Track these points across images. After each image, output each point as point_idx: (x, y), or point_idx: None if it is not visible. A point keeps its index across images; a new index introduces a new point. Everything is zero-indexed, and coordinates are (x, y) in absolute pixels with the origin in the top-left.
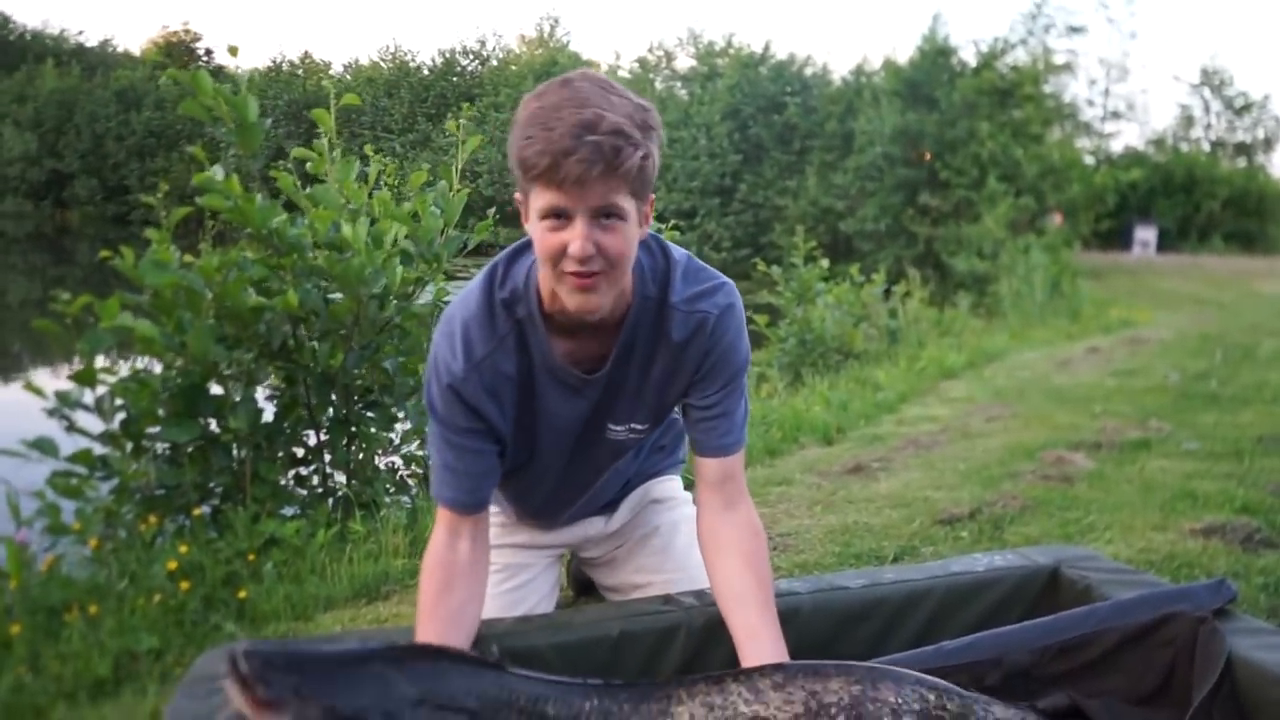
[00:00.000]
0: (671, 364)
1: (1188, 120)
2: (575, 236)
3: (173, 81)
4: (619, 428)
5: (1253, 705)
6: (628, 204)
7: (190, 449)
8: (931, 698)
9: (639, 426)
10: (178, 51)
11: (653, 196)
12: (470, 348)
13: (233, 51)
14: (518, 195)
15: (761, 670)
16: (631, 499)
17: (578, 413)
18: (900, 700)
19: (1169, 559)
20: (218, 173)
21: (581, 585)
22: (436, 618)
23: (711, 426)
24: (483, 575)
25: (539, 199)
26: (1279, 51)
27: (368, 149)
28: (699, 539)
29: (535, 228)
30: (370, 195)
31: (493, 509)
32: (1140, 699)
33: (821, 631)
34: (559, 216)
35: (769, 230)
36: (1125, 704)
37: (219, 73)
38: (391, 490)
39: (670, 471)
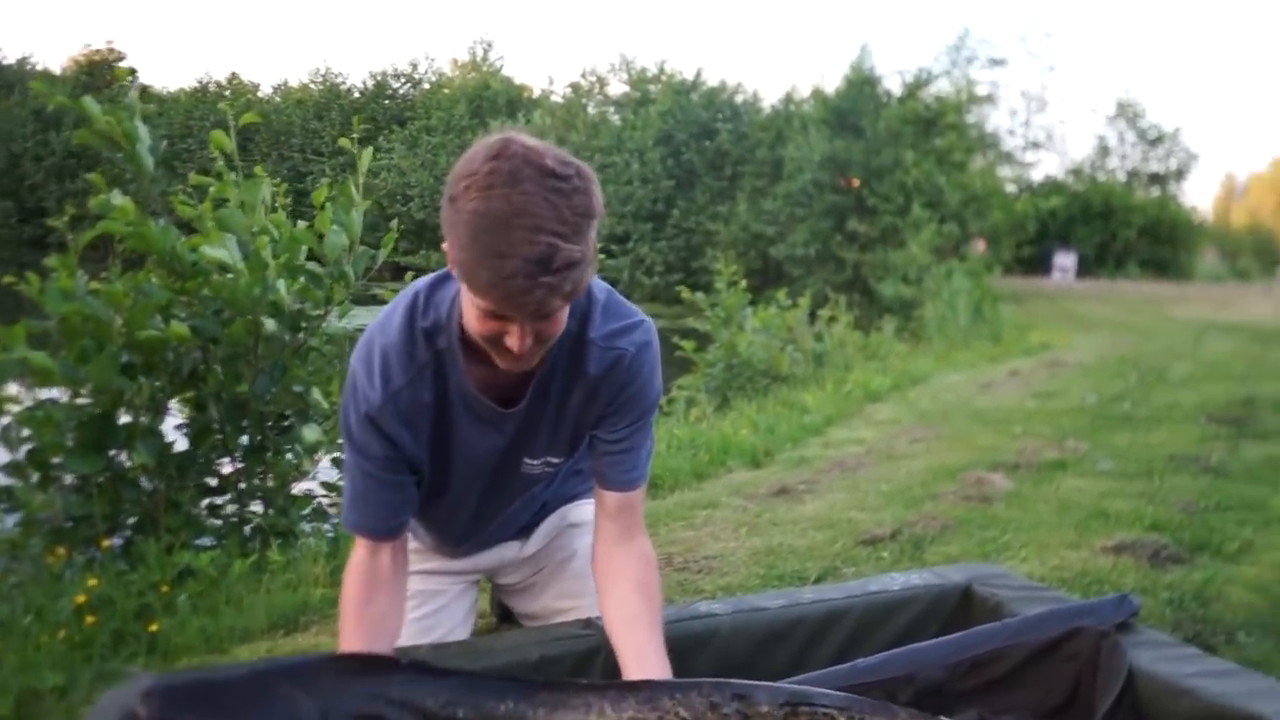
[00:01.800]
0: (585, 397)
1: (1104, 150)
2: (514, 336)
3: (59, 106)
4: (534, 461)
5: (1153, 716)
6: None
7: (100, 479)
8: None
9: (554, 459)
10: (100, 70)
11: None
12: (389, 377)
13: (125, 74)
14: (446, 247)
15: (700, 687)
16: (548, 524)
17: (494, 446)
18: None
19: (1081, 575)
20: (115, 197)
21: (505, 611)
22: (361, 624)
23: (617, 461)
24: (404, 585)
25: (479, 300)
26: (1189, 86)
27: (259, 169)
28: (593, 567)
29: (468, 305)
30: (267, 215)
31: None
32: (1047, 712)
33: (741, 652)
34: (498, 318)
35: (701, 255)
36: (1034, 718)
37: (144, 92)
38: (309, 518)
39: (587, 495)
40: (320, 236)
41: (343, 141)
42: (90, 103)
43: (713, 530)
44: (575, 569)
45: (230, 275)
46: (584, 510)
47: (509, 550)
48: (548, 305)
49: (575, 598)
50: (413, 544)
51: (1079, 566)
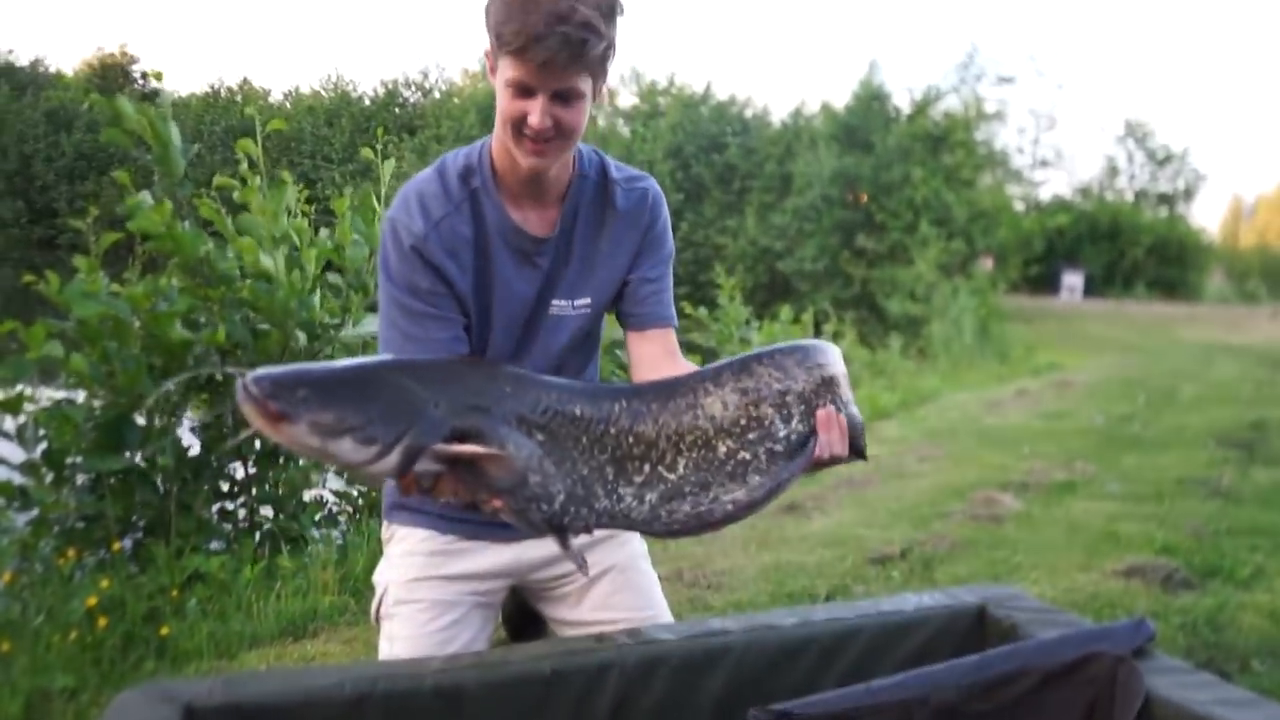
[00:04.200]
0: (615, 234)
1: (1112, 170)
2: (535, 110)
3: (94, 105)
4: (563, 302)
5: None
6: (586, 85)
7: (113, 480)
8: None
9: (581, 302)
10: (113, 74)
11: (608, 74)
12: (427, 210)
13: (157, 76)
14: (487, 50)
15: (780, 350)
16: None
17: (530, 285)
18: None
19: (1092, 599)
20: (146, 199)
21: (516, 628)
22: None
23: (657, 299)
24: None
25: (507, 70)
26: (1197, 106)
27: (284, 174)
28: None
29: (501, 92)
30: (288, 220)
31: (424, 534)
32: None
33: (753, 670)
34: (523, 90)
35: (709, 269)
36: None
37: (154, 96)
38: (319, 524)
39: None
40: (339, 247)
41: (365, 153)
42: (124, 102)
43: (722, 546)
44: (620, 582)
45: (255, 282)
46: None
47: (543, 545)
48: (562, 56)
49: (612, 610)
50: (431, 543)
51: (1090, 589)
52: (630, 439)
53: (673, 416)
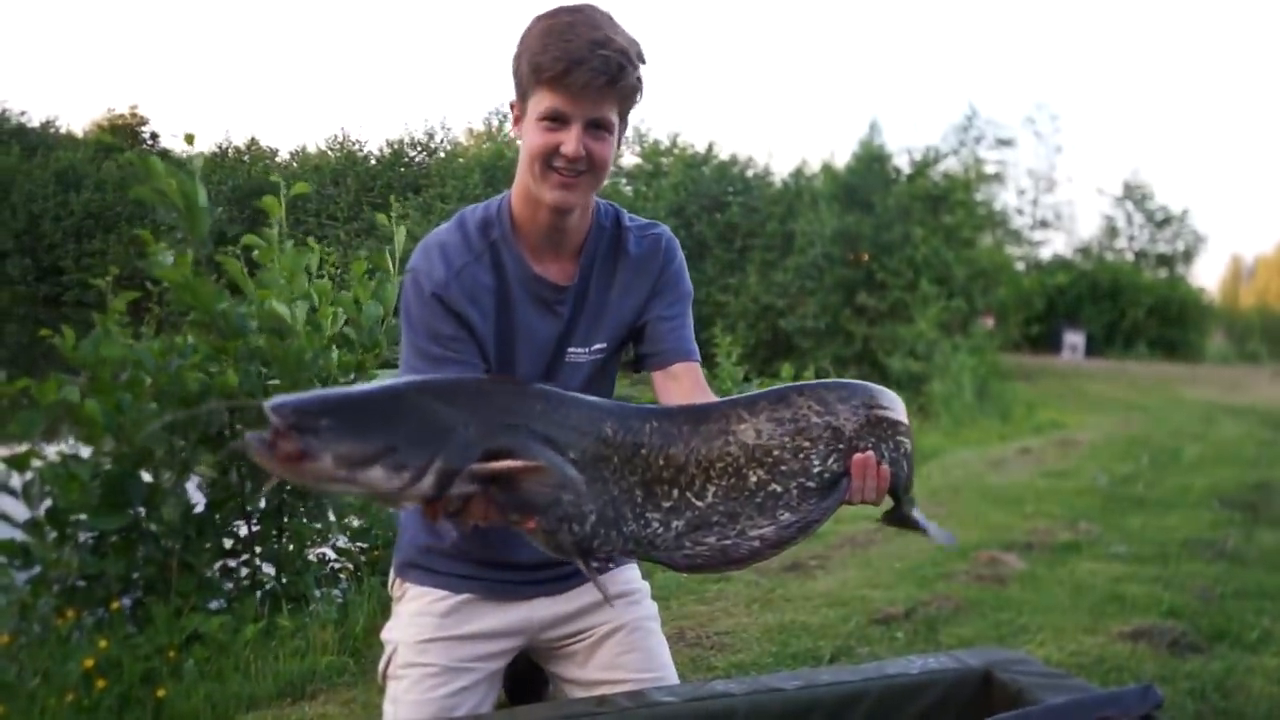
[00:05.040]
0: (627, 278)
1: (1112, 231)
2: (570, 139)
3: (127, 162)
4: (579, 350)
5: None
6: (615, 119)
7: (115, 537)
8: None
9: (597, 347)
10: (123, 134)
11: (628, 122)
12: (448, 258)
13: (189, 139)
14: (512, 102)
15: (825, 385)
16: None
17: (551, 332)
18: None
19: (1099, 662)
20: (167, 257)
21: (513, 688)
22: None
23: (676, 335)
24: None
25: (542, 102)
26: (1196, 168)
27: (310, 242)
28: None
29: (531, 129)
30: (310, 281)
31: (437, 593)
32: None
33: None
34: (558, 120)
35: (711, 326)
36: None
37: (164, 156)
38: (321, 583)
39: (626, 558)
40: (357, 303)
41: (380, 218)
42: (157, 161)
43: (725, 605)
44: (629, 642)
45: (270, 334)
46: (625, 575)
47: (554, 604)
48: (600, 80)
49: (619, 670)
50: (444, 604)
51: (1096, 653)
52: (661, 461)
53: (703, 441)
